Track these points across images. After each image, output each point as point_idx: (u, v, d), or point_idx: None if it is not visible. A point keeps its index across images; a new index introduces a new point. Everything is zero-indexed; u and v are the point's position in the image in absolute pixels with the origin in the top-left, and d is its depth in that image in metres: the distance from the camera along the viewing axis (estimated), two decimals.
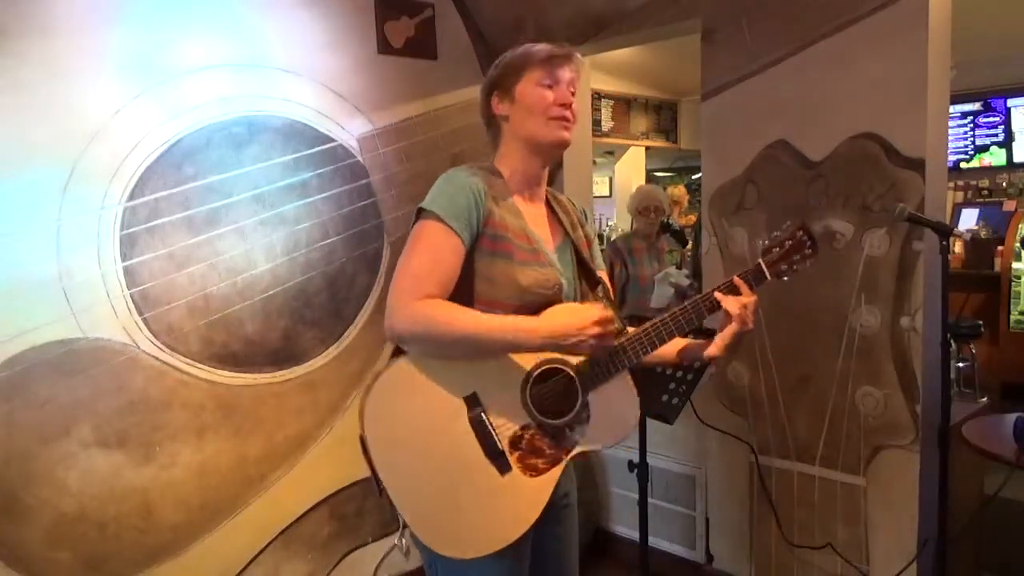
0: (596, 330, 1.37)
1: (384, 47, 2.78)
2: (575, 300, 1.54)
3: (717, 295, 1.48)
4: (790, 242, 1.53)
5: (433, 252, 1.39)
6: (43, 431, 2.09)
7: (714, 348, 1.52)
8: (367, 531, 2.79)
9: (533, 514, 1.42)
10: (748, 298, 1.48)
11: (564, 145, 1.51)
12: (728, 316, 1.47)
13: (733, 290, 1.49)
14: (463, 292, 1.42)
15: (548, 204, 1.61)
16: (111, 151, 2.19)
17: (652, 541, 2.57)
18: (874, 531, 2.45)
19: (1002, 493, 2.51)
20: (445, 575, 1.47)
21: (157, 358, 2.28)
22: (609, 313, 1.42)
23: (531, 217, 1.52)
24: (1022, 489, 2.74)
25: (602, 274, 1.63)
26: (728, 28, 2.66)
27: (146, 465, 2.27)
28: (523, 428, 1.42)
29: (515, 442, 1.42)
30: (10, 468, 2.04)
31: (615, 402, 1.47)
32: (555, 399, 1.44)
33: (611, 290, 1.63)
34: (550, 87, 1.48)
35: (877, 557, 2.45)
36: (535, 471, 1.42)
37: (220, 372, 2.41)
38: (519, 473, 1.41)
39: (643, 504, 2.45)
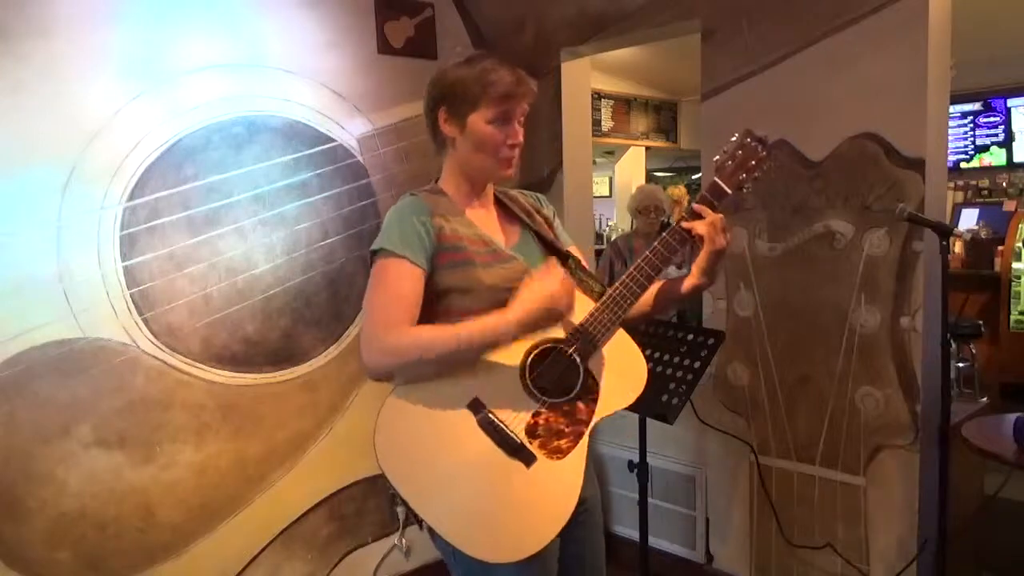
0: (563, 302, 1.39)
1: (384, 47, 2.78)
2: None
3: (683, 224, 1.49)
4: (740, 151, 1.53)
5: (391, 285, 1.40)
6: (43, 431, 2.09)
7: (693, 277, 1.54)
8: (367, 531, 2.79)
9: (574, 493, 1.40)
10: (713, 216, 1.49)
11: (506, 180, 1.52)
12: (700, 238, 1.48)
13: (695, 216, 1.50)
14: (436, 310, 1.44)
15: (498, 202, 1.60)
16: (111, 151, 2.19)
17: (652, 541, 2.57)
18: (874, 531, 2.45)
19: (1002, 493, 2.51)
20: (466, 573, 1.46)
21: (157, 358, 2.28)
22: (561, 278, 1.41)
23: (482, 222, 1.53)
24: (1022, 489, 2.75)
25: (572, 249, 1.62)
26: (728, 28, 2.66)
27: (146, 465, 2.27)
28: (535, 416, 1.42)
29: (531, 431, 1.41)
30: (10, 468, 2.04)
31: (619, 360, 1.47)
32: (558, 377, 1.43)
33: (582, 259, 1.62)
34: (501, 125, 1.45)
35: (877, 557, 2.45)
36: (560, 452, 1.41)
37: (220, 372, 2.41)
38: (545, 459, 1.40)
39: (643, 504, 2.45)
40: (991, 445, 2.11)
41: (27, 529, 2.08)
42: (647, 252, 1.49)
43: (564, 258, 1.57)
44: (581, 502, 1.47)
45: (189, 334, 2.34)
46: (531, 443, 1.40)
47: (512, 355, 1.42)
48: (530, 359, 1.43)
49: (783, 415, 2.63)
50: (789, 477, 2.63)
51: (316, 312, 2.63)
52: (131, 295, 2.23)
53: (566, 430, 1.43)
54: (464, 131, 1.46)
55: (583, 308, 1.46)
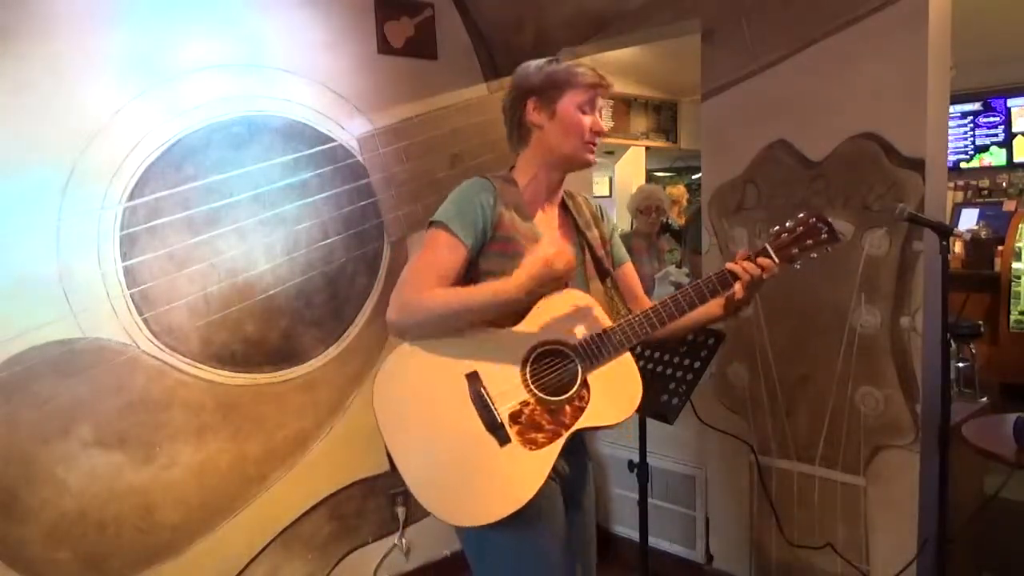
0: (558, 265, 1.43)
1: (384, 47, 2.78)
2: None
3: (733, 269, 1.53)
4: (801, 228, 1.54)
5: (432, 254, 1.50)
6: (43, 431, 2.09)
7: (736, 297, 1.56)
8: (367, 531, 2.79)
9: (534, 485, 1.45)
10: (765, 262, 1.52)
11: (588, 166, 1.61)
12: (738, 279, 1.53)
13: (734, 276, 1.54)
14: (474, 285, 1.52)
15: (563, 205, 1.68)
16: (111, 151, 2.19)
17: (652, 541, 2.57)
18: (874, 531, 2.45)
19: (1002, 493, 2.52)
20: (476, 547, 1.55)
21: (157, 358, 2.28)
22: (559, 245, 1.47)
23: (543, 221, 1.61)
24: (1022, 489, 2.75)
25: (627, 267, 1.75)
26: (728, 28, 2.66)
27: (146, 465, 2.27)
28: (522, 404, 1.48)
29: (515, 416, 1.47)
30: (10, 468, 2.04)
31: (616, 382, 1.53)
32: (555, 377, 1.51)
33: (624, 278, 1.72)
34: (587, 112, 1.56)
35: (877, 557, 2.45)
36: (534, 444, 1.47)
37: (220, 372, 2.41)
38: (518, 445, 1.46)
39: (643, 504, 2.45)
40: (991, 445, 2.11)
41: (27, 529, 2.08)
42: (676, 293, 1.53)
43: (604, 277, 1.66)
44: (577, 491, 1.54)
45: (189, 334, 2.34)
46: (511, 427, 1.47)
47: (519, 345, 1.50)
48: (535, 353, 1.50)
49: (783, 415, 2.63)
50: (789, 477, 2.63)
51: (316, 312, 2.63)
52: (131, 295, 2.23)
53: (546, 426, 1.49)
54: (554, 117, 1.55)
55: (601, 322, 1.53)
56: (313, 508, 2.65)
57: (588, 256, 1.67)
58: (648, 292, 3.70)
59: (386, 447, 1.48)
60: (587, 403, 1.50)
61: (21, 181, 2.04)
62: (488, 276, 1.51)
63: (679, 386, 2.17)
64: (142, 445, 2.26)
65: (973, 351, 3.02)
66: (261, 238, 2.49)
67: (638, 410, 2.29)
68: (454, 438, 1.46)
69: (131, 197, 2.22)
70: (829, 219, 1.55)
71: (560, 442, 1.48)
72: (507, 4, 3.03)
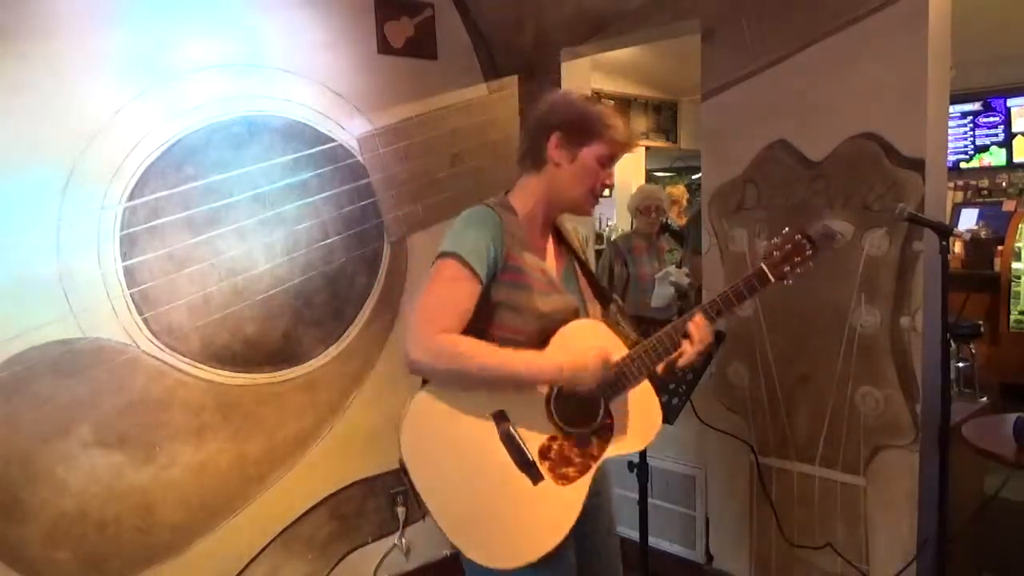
0: (595, 376, 1.44)
1: (384, 47, 2.78)
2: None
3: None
4: (789, 246, 1.56)
5: (451, 289, 1.45)
6: (43, 431, 2.09)
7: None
8: (367, 531, 2.79)
9: (568, 521, 1.47)
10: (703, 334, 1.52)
11: (588, 216, 1.65)
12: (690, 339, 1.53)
13: (717, 314, 1.55)
14: (484, 321, 1.49)
15: (555, 231, 1.68)
16: (111, 151, 2.19)
17: (652, 541, 2.56)
18: (874, 531, 2.45)
19: (1002, 493, 2.52)
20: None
21: (157, 358, 2.28)
22: (605, 357, 1.46)
23: (539, 248, 1.60)
24: (1022, 489, 2.75)
25: None
26: (728, 28, 2.66)
27: (146, 465, 2.27)
28: (550, 439, 1.48)
29: (544, 452, 1.48)
30: (10, 468, 2.04)
31: (637, 409, 1.55)
32: (579, 410, 1.50)
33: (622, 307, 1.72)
34: (604, 166, 1.54)
35: (877, 557, 2.45)
36: (566, 479, 1.48)
37: (220, 372, 2.41)
38: (551, 482, 1.47)
39: (643, 504, 2.45)
40: (991, 445, 2.11)
41: (27, 529, 2.08)
42: (676, 322, 1.54)
43: (607, 300, 1.67)
44: (595, 494, 1.53)
45: (189, 334, 2.34)
46: (542, 463, 1.47)
47: None
48: (559, 387, 1.49)
49: (783, 415, 2.63)
50: (789, 477, 2.63)
51: (316, 312, 2.63)
52: (131, 295, 2.23)
53: (575, 459, 1.50)
54: (574, 161, 1.53)
55: (619, 353, 1.53)
56: (313, 508, 2.65)
57: (584, 278, 1.67)
58: (648, 292, 3.72)
59: (417, 494, 1.46)
60: (612, 432, 1.52)
61: (21, 181, 2.04)
62: (501, 308, 1.49)
63: (679, 386, 2.17)
64: (142, 445, 2.26)
65: (973, 351, 3.02)
66: (261, 238, 2.49)
67: None
68: (487, 480, 1.46)
69: (131, 197, 2.22)
70: (811, 234, 1.57)
71: (590, 474, 1.49)
72: (507, 4, 3.04)
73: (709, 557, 2.90)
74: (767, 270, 1.54)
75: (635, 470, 2.41)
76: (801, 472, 2.60)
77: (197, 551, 2.38)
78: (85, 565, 2.18)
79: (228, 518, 2.45)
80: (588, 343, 1.49)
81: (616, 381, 1.51)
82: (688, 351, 1.52)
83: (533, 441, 1.47)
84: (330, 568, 2.70)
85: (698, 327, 1.52)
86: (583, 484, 1.48)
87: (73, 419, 2.14)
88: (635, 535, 2.50)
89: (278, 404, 2.55)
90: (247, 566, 2.50)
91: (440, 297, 1.45)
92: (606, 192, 1.59)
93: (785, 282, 1.56)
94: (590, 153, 1.52)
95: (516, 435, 1.46)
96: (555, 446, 1.48)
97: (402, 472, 1.47)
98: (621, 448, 1.52)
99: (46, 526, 2.11)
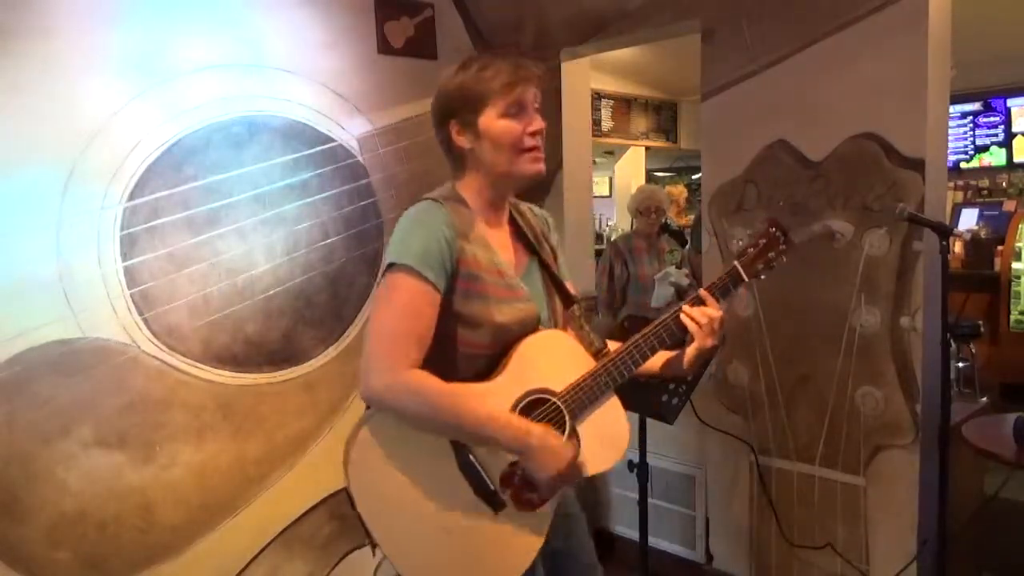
0: (564, 476, 1.35)
1: (384, 47, 2.78)
2: (551, 327, 1.50)
3: (683, 313, 1.47)
4: (764, 240, 1.54)
5: (407, 308, 1.32)
6: (43, 431, 2.09)
7: (685, 364, 1.53)
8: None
9: (534, 548, 1.40)
10: (713, 312, 1.46)
11: (539, 177, 1.43)
12: (691, 337, 1.47)
13: (700, 302, 1.48)
14: (442, 336, 1.37)
15: (511, 219, 1.54)
16: (111, 151, 2.18)
17: (652, 541, 2.57)
18: (874, 531, 2.45)
19: (1002, 493, 2.52)
20: None
21: (157, 358, 2.28)
22: (573, 460, 1.36)
23: (497, 242, 1.46)
24: (1022, 489, 2.75)
25: (569, 285, 1.57)
26: (728, 28, 2.66)
27: (146, 465, 2.27)
28: (512, 464, 1.37)
29: (506, 479, 1.38)
30: (10, 468, 2.04)
31: (604, 427, 1.44)
32: None
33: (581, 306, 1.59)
34: (516, 115, 1.39)
35: (877, 557, 2.45)
36: (530, 504, 1.39)
37: (220, 372, 2.41)
38: (513, 509, 1.38)
39: (643, 504, 2.45)
40: (991, 445, 2.11)
41: (27, 529, 2.08)
42: (646, 332, 1.46)
43: (569, 301, 1.54)
44: (558, 506, 1.45)
45: (189, 334, 2.34)
46: (504, 491, 1.38)
47: (503, 400, 1.39)
48: (519, 407, 1.39)
49: (783, 415, 2.63)
50: (789, 477, 2.63)
51: (316, 312, 2.63)
52: (131, 295, 2.23)
53: None
54: (480, 136, 1.40)
55: (583, 365, 1.44)
56: (313, 508, 2.65)
57: (545, 275, 1.53)
58: (648, 292, 3.72)
59: (370, 537, 1.37)
60: (579, 452, 1.39)
61: (21, 181, 2.04)
62: (456, 321, 1.37)
63: (679, 386, 2.17)
64: (142, 445, 2.26)
65: (973, 351, 3.02)
66: (261, 238, 2.49)
67: (639, 411, 2.30)
68: (446, 516, 1.36)
69: (131, 197, 2.22)
70: (785, 226, 1.54)
71: (556, 498, 1.41)
72: (507, 4, 3.03)
73: (709, 557, 2.90)
74: (741, 269, 1.51)
75: (635, 470, 2.42)
76: (801, 472, 2.60)
77: (197, 551, 2.38)
78: (85, 565, 2.18)
79: (228, 518, 2.45)
80: (550, 360, 1.41)
81: (581, 397, 1.41)
82: (690, 353, 1.49)
83: (495, 468, 1.37)
84: (330, 568, 2.70)
85: (702, 311, 1.45)
86: (548, 508, 1.40)
87: (73, 419, 2.13)
88: (635, 535, 2.50)
89: (278, 404, 2.55)
90: (247, 566, 2.50)
91: (395, 320, 1.31)
92: (536, 139, 1.40)
93: (760, 278, 1.53)
94: (488, 118, 1.38)
95: (476, 463, 1.36)
96: (518, 472, 1.37)
97: (350, 505, 1.38)
98: (589, 469, 1.41)
99: (46, 526, 2.10)
